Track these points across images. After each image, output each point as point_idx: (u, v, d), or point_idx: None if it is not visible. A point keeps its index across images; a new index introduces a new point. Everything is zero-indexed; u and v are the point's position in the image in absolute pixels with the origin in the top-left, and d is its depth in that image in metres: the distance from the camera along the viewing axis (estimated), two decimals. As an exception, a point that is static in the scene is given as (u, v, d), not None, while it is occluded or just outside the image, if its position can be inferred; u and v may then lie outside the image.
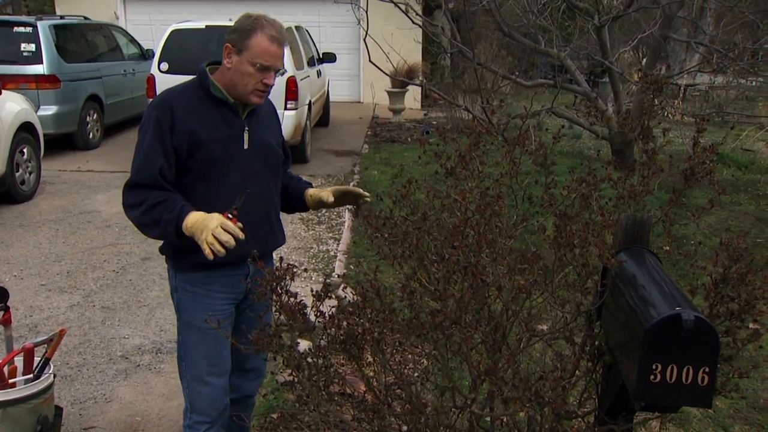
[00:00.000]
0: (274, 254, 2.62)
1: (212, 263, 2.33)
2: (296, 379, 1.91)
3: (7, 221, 6.47)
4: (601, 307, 2.02)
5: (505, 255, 2.02)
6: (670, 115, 14.42)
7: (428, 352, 1.89)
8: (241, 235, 2.20)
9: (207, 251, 2.16)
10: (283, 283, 1.88)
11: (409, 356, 2.46)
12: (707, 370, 1.56)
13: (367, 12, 6.41)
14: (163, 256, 2.49)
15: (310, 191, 2.62)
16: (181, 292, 2.45)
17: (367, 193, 2.59)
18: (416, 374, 2.16)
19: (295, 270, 1.99)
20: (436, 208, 2.35)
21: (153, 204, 2.24)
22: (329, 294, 2.05)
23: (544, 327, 2.60)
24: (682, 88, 15.85)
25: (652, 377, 1.59)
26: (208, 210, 2.24)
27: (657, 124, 2.54)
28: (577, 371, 2.16)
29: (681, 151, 8.05)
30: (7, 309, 2.93)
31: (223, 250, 2.16)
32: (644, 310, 1.70)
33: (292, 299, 1.86)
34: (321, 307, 1.87)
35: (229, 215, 2.26)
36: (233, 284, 2.44)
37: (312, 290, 1.98)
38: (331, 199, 2.54)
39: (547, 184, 2.32)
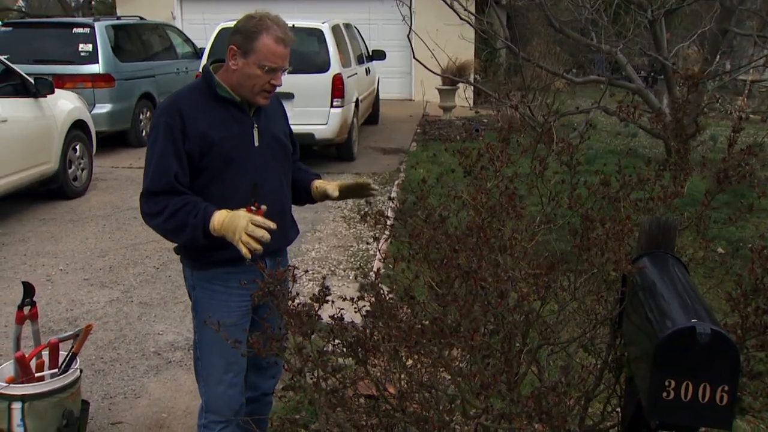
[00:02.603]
0: (288, 249, 2.59)
1: (231, 259, 2.31)
2: (298, 384, 1.86)
3: (59, 216, 6.64)
4: (622, 314, 1.90)
5: (520, 259, 1.93)
6: (732, 113, 13.86)
7: (435, 359, 1.80)
8: (273, 226, 2.19)
9: (245, 251, 2.16)
10: (283, 286, 1.82)
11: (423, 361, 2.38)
12: (726, 388, 1.44)
13: (410, 8, 6.33)
14: (178, 256, 2.48)
15: (317, 183, 2.58)
16: (198, 290, 2.43)
17: (374, 186, 2.54)
18: (427, 379, 2.07)
19: (296, 271, 1.93)
20: (454, 209, 2.27)
21: (175, 210, 2.21)
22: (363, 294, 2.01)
23: (567, 332, 2.48)
24: (747, 84, 15.22)
25: (664, 394, 1.47)
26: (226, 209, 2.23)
27: (716, 122, 2.39)
28: (601, 384, 2.05)
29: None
30: (33, 304, 2.97)
31: (260, 247, 2.17)
32: (660, 321, 1.58)
33: (291, 303, 1.80)
34: (320, 311, 1.80)
35: (252, 208, 2.24)
36: (251, 280, 2.41)
37: (318, 292, 1.92)
38: (336, 193, 2.51)
39: (573, 184, 2.21)
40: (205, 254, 2.37)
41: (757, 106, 13.82)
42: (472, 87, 10.07)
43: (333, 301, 1.89)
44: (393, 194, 7.39)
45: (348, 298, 2.07)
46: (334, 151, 9.22)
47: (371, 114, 11.63)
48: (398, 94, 14.94)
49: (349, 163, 9.21)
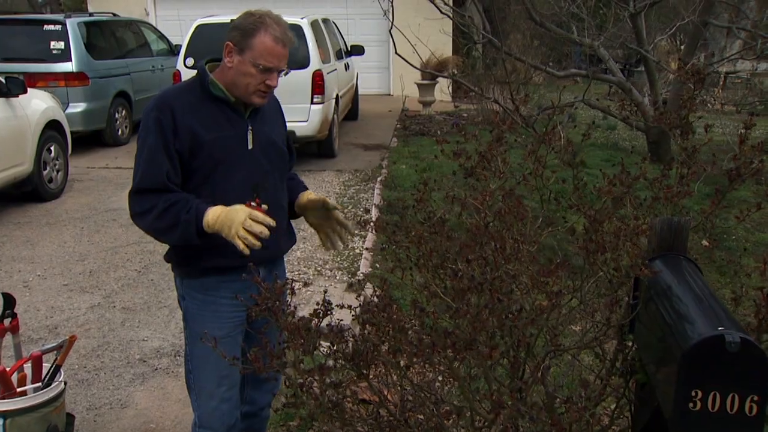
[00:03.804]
0: (284, 257, 2.50)
1: (223, 267, 2.22)
2: (298, 401, 1.77)
3: (34, 220, 6.47)
4: (634, 319, 1.84)
5: (527, 264, 1.86)
6: (710, 105, 13.97)
7: (444, 370, 1.73)
8: (272, 222, 2.11)
9: (241, 246, 2.06)
10: (282, 300, 1.74)
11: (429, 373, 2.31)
12: (756, 398, 1.38)
13: (392, 3, 6.24)
14: (169, 263, 2.38)
15: (307, 194, 2.50)
16: (189, 299, 2.33)
17: (352, 231, 2.52)
18: (434, 389, 2.00)
19: (296, 283, 1.84)
20: (455, 212, 2.20)
21: (165, 207, 2.11)
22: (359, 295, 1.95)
23: (577, 328, 2.43)
24: (722, 76, 15.35)
25: (691, 405, 1.41)
26: None
27: (697, 117, 2.34)
28: (607, 387, 1.99)
29: (721, 142, 7.72)
30: (14, 316, 2.85)
31: (258, 243, 2.08)
32: (681, 327, 1.52)
33: (291, 318, 1.71)
34: (321, 324, 1.72)
35: (253, 204, 2.16)
36: (245, 289, 2.31)
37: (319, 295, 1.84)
38: (332, 203, 2.45)
39: (575, 184, 2.15)
40: (195, 261, 2.27)
41: (732, 97, 13.94)
42: (451, 81, 10.00)
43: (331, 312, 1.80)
44: (377, 196, 7.32)
45: (347, 305, 2.00)
46: (315, 149, 9.11)
47: (351, 110, 11.53)
48: (377, 89, 14.84)
49: (330, 160, 9.11)
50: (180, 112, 2.15)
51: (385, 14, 6.45)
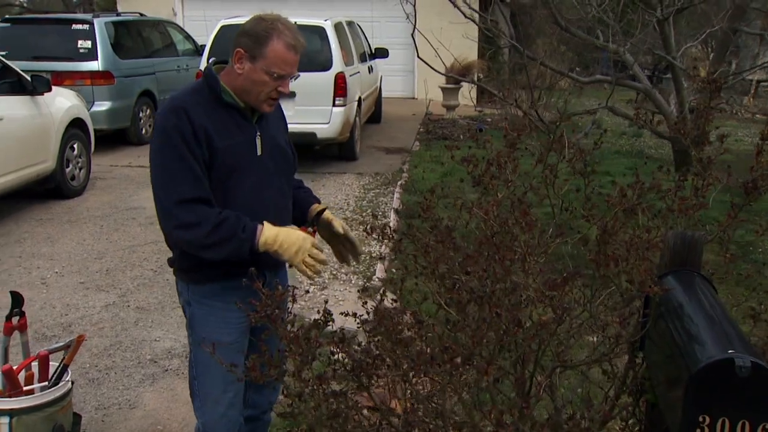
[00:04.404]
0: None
1: (230, 273, 2.18)
2: (297, 411, 1.73)
3: (56, 217, 6.53)
4: (645, 336, 1.78)
5: (534, 276, 1.80)
6: (739, 113, 13.71)
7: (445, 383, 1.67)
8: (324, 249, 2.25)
9: (309, 274, 2.19)
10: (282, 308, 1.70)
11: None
12: None
13: (414, 6, 6.19)
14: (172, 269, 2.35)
15: (322, 212, 2.45)
16: (195, 306, 2.30)
17: (360, 250, 2.53)
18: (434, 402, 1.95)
19: (296, 291, 1.81)
20: (463, 220, 2.15)
21: (217, 223, 2.06)
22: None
23: (593, 338, 2.35)
24: (753, 84, 15.06)
25: (698, 431, 1.35)
26: None
27: (715, 126, 2.26)
28: (615, 407, 1.93)
29: (749, 151, 7.55)
30: (22, 314, 2.85)
31: (320, 271, 2.22)
32: (690, 347, 1.45)
33: (290, 327, 1.67)
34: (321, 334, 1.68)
35: (309, 230, 2.26)
36: (250, 295, 2.28)
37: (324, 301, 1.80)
38: (341, 231, 2.42)
39: (586, 194, 2.08)
40: (202, 268, 2.23)
41: (764, 106, 13.67)
42: (475, 86, 9.92)
43: (333, 321, 1.76)
44: (396, 200, 7.27)
45: (351, 313, 1.96)
46: (336, 151, 9.09)
47: (374, 112, 11.50)
48: (401, 92, 14.80)
49: (351, 162, 9.09)
50: (196, 118, 2.09)
51: (408, 17, 6.39)
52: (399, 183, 7.85)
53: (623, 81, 7.39)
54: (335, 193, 7.61)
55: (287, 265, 2.47)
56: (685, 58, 9.89)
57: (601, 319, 1.90)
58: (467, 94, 11.76)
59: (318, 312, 1.84)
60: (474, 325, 1.50)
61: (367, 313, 1.85)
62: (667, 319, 1.62)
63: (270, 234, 2.12)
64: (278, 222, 2.20)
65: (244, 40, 2.12)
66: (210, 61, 2.35)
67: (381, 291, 2.12)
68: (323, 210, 2.46)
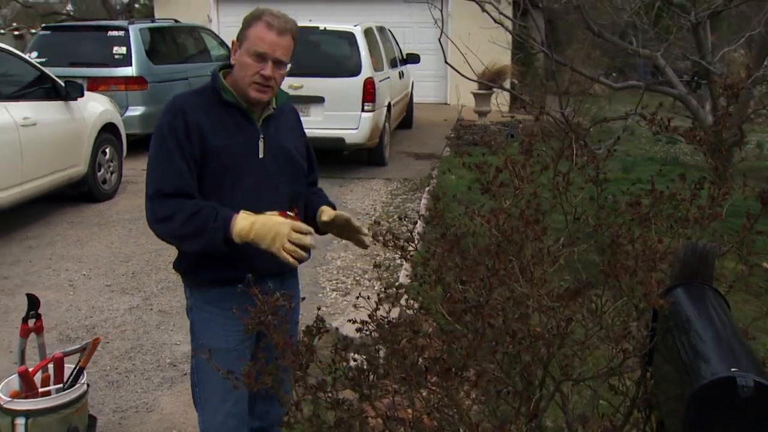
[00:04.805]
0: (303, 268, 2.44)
1: (231, 279, 2.16)
2: (294, 420, 1.71)
3: (86, 220, 6.64)
4: (653, 350, 1.71)
5: (539, 287, 1.75)
6: (780, 119, 13.33)
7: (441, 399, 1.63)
8: (313, 231, 2.10)
9: (290, 260, 2.06)
10: (275, 315, 1.68)
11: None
12: (771, 449, 1.25)
13: (442, 11, 6.16)
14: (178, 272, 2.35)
15: (324, 213, 2.36)
16: (196, 311, 2.30)
17: (367, 237, 2.34)
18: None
19: (311, 287, 1.78)
20: (471, 227, 2.11)
21: (191, 213, 2.06)
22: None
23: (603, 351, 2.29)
24: (796, 90, 14.64)
25: (699, 452, 1.29)
26: None
27: (763, 129, 2.18)
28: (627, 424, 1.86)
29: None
30: (38, 317, 2.88)
31: (306, 255, 2.08)
32: (695, 364, 1.39)
33: (283, 335, 1.65)
34: (316, 342, 1.66)
35: (290, 213, 2.12)
36: (248, 303, 2.26)
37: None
38: (326, 218, 2.30)
39: (598, 203, 2.02)
40: (203, 272, 2.23)
41: (806, 113, 13.26)
42: (506, 91, 9.83)
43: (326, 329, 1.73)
44: (423, 206, 7.23)
45: (357, 320, 1.93)
46: (365, 156, 9.09)
47: (405, 118, 11.48)
48: (433, 97, 14.77)
49: (380, 168, 9.08)
50: (191, 117, 2.12)
51: (436, 23, 6.36)
52: (427, 189, 7.80)
53: (656, 86, 7.24)
54: (362, 199, 7.61)
55: (297, 273, 2.46)
56: (725, 63, 9.65)
57: (614, 331, 1.85)
58: (493, 100, 11.66)
59: (341, 313, 1.82)
60: (471, 336, 1.46)
61: (382, 320, 1.82)
62: (674, 333, 1.56)
63: (244, 224, 2.05)
64: None
65: (239, 31, 2.16)
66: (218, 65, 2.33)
67: (394, 298, 2.09)
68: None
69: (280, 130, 2.27)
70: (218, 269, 2.17)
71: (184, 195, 2.10)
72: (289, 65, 2.18)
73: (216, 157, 2.13)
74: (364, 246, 2.42)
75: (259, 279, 2.00)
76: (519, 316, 1.44)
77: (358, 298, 1.74)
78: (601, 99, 11.18)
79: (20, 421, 2.75)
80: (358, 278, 5.31)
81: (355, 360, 1.78)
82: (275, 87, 2.16)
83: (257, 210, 2.11)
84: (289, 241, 2.03)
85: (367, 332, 1.77)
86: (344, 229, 2.37)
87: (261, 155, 2.20)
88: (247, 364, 2.20)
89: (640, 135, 11.19)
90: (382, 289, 1.80)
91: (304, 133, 2.46)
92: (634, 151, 10.03)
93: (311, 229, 2.10)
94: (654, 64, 7.64)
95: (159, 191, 2.12)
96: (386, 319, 1.69)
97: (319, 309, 1.84)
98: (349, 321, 1.95)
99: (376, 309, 1.61)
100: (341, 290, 5.07)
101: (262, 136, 2.21)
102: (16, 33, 21.12)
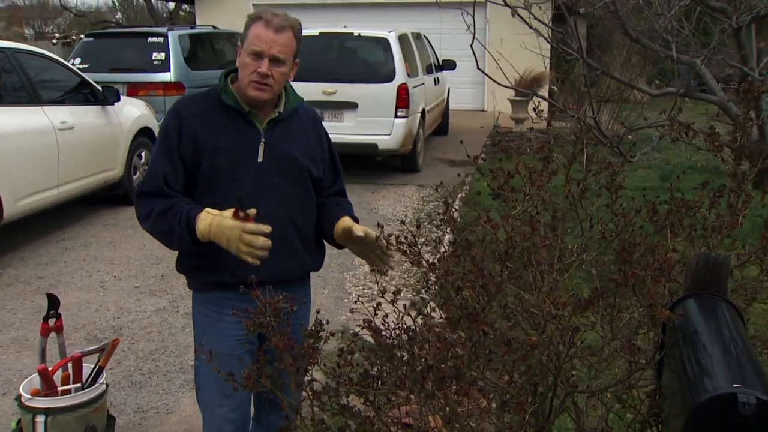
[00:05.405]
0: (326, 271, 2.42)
1: (228, 284, 2.14)
2: (291, 425, 1.69)
3: (121, 222, 6.75)
4: (662, 365, 1.65)
5: (546, 295, 1.71)
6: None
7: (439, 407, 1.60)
8: (267, 230, 2.01)
9: (251, 260, 2.01)
10: (277, 318, 1.66)
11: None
12: (774, 470, 1.18)
13: (473, 17, 6.11)
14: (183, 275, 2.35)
15: (345, 225, 2.24)
16: (196, 313, 2.30)
17: (391, 261, 2.28)
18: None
19: (293, 303, 1.76)
20: (482, 234, 2.07)
21: (160, 213, 2.08)
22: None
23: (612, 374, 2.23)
24: None
25: (699, 471, 1.23)
26: None
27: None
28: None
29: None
30: (58, 316, 2.93)
31: (265, 253, 2.01)
32: (698, 379, 1.33)
33: (282, 338, 1.64)
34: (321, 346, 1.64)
35: (241, 215, 2.04)
36: (252, 305, 2.23)
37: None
38: (361, 234, 2.18)
39: (613, 210, 1.97)
40: (201, 275, 2.23)
41: None
42: (542, 98, 9.71)
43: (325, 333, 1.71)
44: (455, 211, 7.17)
45: (362, 324, 1.91)
46: (399, 162, 9.07)
47: (440, 124, 11.43)
48: (470, 104, 14.69)
49: (413, 174, 9.05)
50: (187, 117, 2.14)
51: (469, 29, 6.31)
52: (459, 196, 7.74)
53: (695, 93, 7.07)
54: (394, 205, 7.59)
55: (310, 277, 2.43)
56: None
57: (624, 342, 1.79)
58: (533, 106, 11.53)
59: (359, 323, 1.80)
60: (469, 344, 1.42)
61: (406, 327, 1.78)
62: (683, 346, 1.50)
63: (202, 226, 2.02)
64: (277, 235, 2.08)
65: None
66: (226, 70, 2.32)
67: (418, 306, 2.06)
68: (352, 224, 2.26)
69: (286, 134, 2.22)
70: (216, 274, 2.16)
71: (160, 195, 2.11)
72: (288, 64, 2.13)
73: (210, 159, 2.12)
74: (383, 270, 2.31)
75: (261, 284, 1.97)
76: (512, 325, 1.40)
77: (356, 301, 1.71)
78: (640, 106, 10.97)
79: (40, 419, 2.80)
80: (385, 284, 5.28)
81: (359, 365, 1.76)
82: (275, 86, 2.12)
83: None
84: (244, 243, 1.99)
85: (355, 336, 1.75)
86: (368, 248, 2.26)
87: (260, 159, 2.16)
88: (247, 368, 2.18)
89: (681, 143, 10.93)
90: (380, 293, 1.77)
91: (327, 139, 2.38)
92: (673, 158, 9.80)
93: (264, 228, 2.00)
94: (694, 71, 7.46)
95: (139, 191, 2.18)
96: (401, 327, 1.67)
97: (318, 312, 1.81)
98: (359, 326, 1.94)
99: (374, 315, 1.58)
100: (368, 296, 5.05)
101: (263, 140, 2.17)
102: (65, 41, 21.77)
